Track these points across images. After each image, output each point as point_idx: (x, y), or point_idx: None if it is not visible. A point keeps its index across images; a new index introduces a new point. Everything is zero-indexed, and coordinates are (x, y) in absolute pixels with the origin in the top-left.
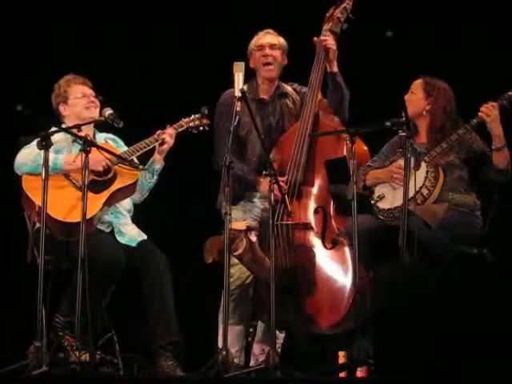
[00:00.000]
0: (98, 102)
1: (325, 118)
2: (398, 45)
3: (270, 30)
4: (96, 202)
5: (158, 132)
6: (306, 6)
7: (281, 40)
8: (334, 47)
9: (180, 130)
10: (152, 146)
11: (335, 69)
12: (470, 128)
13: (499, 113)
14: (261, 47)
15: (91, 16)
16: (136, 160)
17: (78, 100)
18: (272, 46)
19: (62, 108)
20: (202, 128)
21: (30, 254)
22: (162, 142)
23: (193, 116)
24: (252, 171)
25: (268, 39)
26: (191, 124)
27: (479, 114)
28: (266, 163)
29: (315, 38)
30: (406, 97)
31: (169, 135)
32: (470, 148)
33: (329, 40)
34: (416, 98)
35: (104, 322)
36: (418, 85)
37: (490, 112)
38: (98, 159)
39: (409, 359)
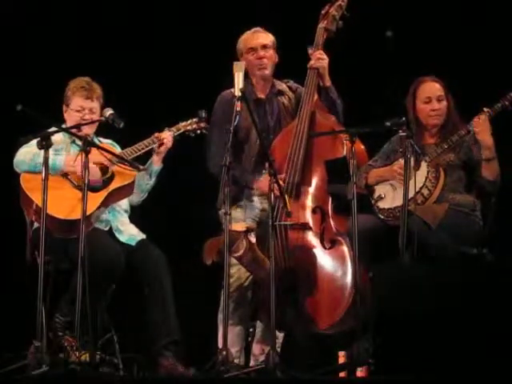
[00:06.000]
0: (93, 118)
1: (322, 117)
2: (397, 44)
3: (259, 29)
4: (94, 200)
5: (156, 134)
6: (301, 4)
7: (271, 37)
8: (325, 64)
9: (177, 132)
10: (149, 148)
11: (328, 83)
12: (471, 129)
13: (499, 113)
14: (253, 50)
15: (91, 16)
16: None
17: (74, 113)
18: (264, 47)
19: (64, 109)
20: (199, 131)
21: (30, 254)
22: (161, 144)
23: (190, 120)
24: (250, 172)
25: (259, 40)
26: (189, 127)
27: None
28: (266, 163)
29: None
30: (435, 105)
31: (166, 137)
32: (469, 152)
33: (317, 59)
34: (444, 106)
35: (104, 322)
36: (441, 90)
37: (478, 124)
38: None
39: (409, 359)
